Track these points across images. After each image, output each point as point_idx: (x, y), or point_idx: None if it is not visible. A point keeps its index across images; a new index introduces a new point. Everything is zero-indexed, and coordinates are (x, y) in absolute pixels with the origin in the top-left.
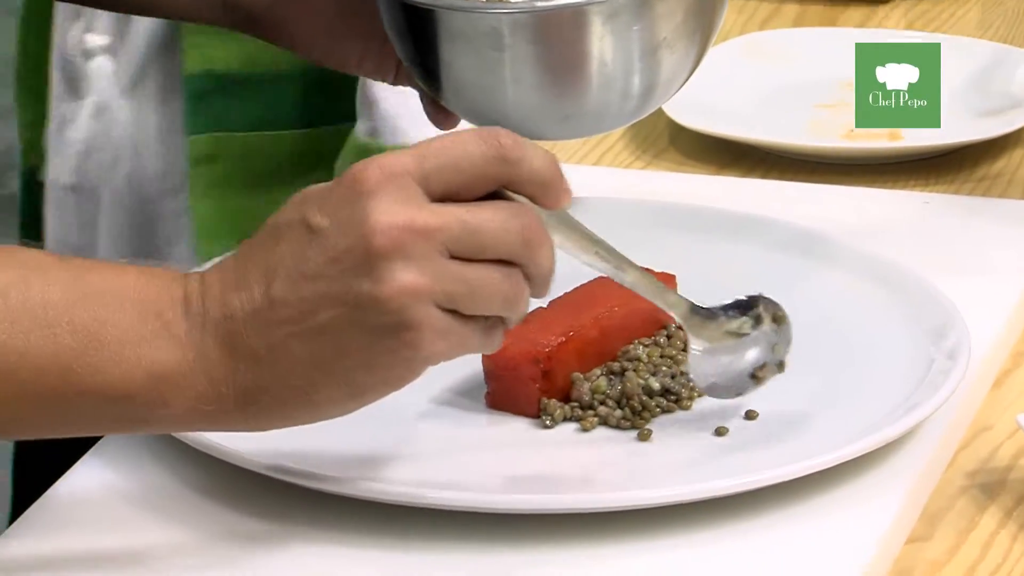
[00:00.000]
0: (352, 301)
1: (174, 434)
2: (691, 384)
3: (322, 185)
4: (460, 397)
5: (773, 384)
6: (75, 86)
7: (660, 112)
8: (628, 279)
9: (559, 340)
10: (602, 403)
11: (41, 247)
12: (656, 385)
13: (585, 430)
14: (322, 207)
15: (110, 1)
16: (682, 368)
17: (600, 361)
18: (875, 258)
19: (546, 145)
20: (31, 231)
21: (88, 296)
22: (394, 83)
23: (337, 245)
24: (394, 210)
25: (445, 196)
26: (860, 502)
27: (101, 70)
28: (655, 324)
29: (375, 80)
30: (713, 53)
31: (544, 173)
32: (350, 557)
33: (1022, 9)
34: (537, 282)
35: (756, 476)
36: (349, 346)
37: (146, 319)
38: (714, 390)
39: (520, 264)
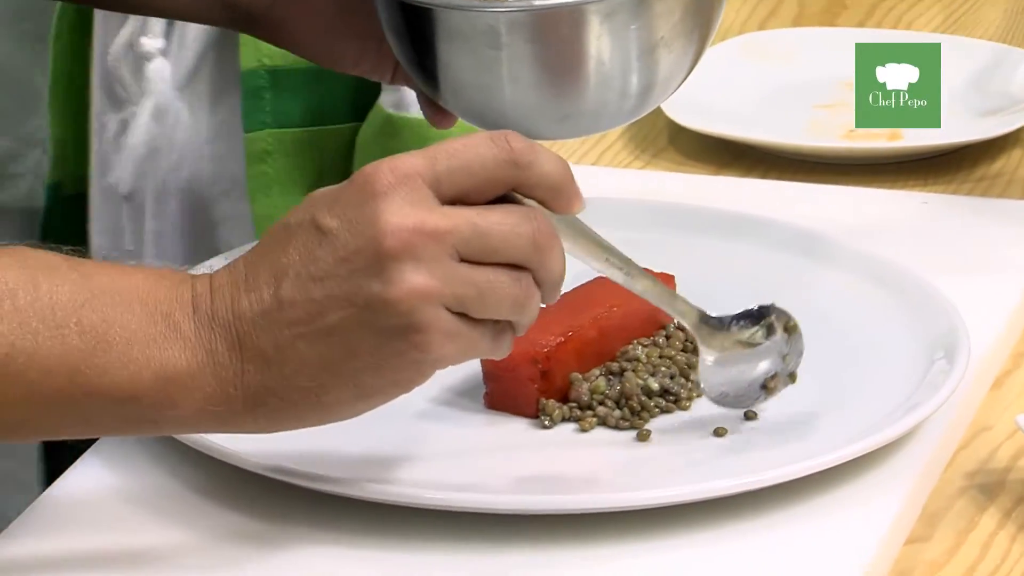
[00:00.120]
0: (361, 302)
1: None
2: (689, 384)
3: (332, 186)
4: (459, 397)
5: None
6: (119, 95)
7: (659, 112)
8: (638, 286)
9: (558, 340)
10: (601, 403)
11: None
12: (655, 385)
13: (584, 430)
14: (332, 208)
15: (110, 2)
16: (682, 368)
17: (599, 361)
18: (874, 258)
19: (545, 145)
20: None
21: (96, 297)
22: (391, 83)
23: (347, 246)
24: (405, 212)
25: (456, 199)
26: (860, 502)
27: (159, 73)
28: (654, 324)
29: (372, 80)
30: (712, 53)
31: (555, 177)
32: (350, 557)
33: (1022, 9)
34: (547, 287)
35: (756, 476)
36: (358, 347)
37: (154, 320)
38: (724, 400)
39: (530, 268)
